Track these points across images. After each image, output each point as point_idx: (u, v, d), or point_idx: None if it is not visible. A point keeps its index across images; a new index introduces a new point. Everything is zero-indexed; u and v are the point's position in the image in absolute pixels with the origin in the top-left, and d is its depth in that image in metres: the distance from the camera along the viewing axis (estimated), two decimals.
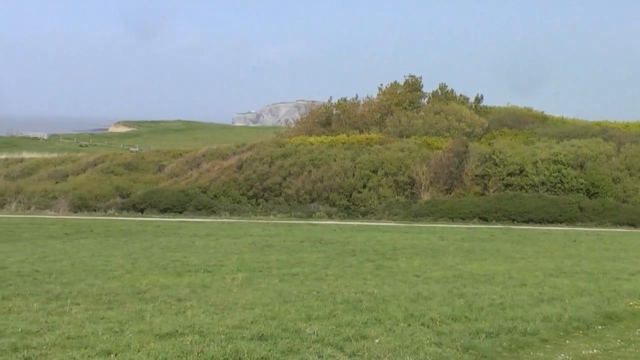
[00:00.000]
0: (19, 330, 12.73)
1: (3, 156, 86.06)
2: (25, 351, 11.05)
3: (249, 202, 57.95)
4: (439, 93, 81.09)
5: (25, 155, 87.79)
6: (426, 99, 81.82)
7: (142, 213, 55.63)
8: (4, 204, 60.43)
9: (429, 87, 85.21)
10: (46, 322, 13.62)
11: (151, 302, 15.91)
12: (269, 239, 34.72)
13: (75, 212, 56.84)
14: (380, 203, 55.77)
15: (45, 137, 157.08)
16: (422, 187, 55.92)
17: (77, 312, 14.72)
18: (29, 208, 58.82)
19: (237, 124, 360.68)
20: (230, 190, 58.61)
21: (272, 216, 54.26)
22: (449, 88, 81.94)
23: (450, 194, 56.10)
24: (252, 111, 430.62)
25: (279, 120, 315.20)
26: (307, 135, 71.19)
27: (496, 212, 52.20)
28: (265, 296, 16.74)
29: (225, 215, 54.75)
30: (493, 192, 55.14)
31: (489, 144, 61.77)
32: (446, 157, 57.48)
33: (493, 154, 57.46)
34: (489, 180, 56.04)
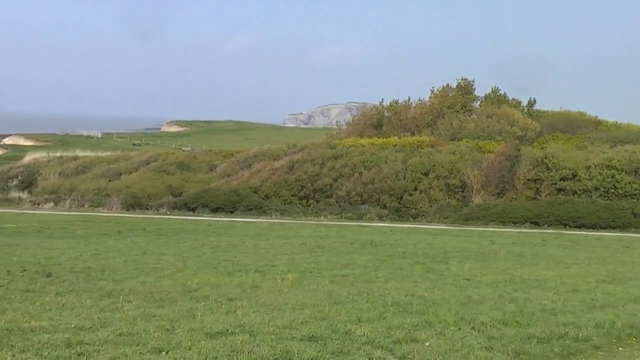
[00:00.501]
0: (72, 326, 12.88)
1: (58, 154, 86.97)
2: (79, 347, 11.17)
3: (299, 203, 58.05)
4: (492, 96, 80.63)
5: (79, 153, 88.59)
6: (478, 102, 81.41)
7: (194, 212, 55.97)
8: (58, 202, 61.21)
9: (481, 90, 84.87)
10: (99, 318, 13.77)
11: (202, 300, 16.00)
12: (320, 240, 34.74)
13: (127, 210, 57.37)
14: (431, 206, 55.56)
15: (99, 136, 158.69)
16: (474, 191, 55.60)
17: (129, 309, 14.86)
18: (82, 205, 59.49)
19: (289, 125, 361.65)
20: (281, 191, 58.76)
21: (322, 217, 54.29)
22: (501, 91, 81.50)
23: (502, 197, 55.70)
24: (304, 112, 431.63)
25: (330, 122, 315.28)
26: (359, 137, 71.12)
27: (548, 217, 51.72)
28: (316, 297, 16.75)
29: (276, 215, 54.90)
30: (545, 196, 54.65)
31: (542, 148, 61.27)
32: (498, 161, 57.08)
33: (545, 158, 56.95)
34: (541, 184, 55.56)
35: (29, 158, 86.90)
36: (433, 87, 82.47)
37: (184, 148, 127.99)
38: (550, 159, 56.74)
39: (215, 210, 56.01)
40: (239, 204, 56.66)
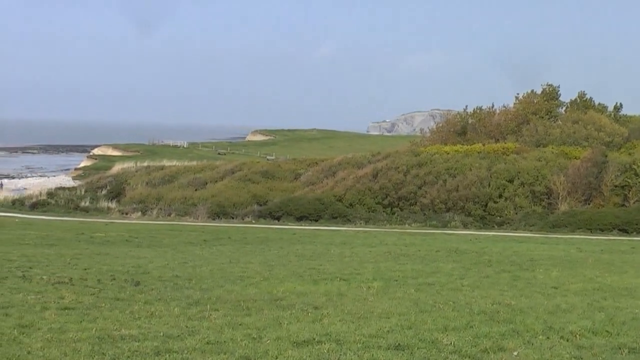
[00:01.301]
0: (161, 334, 13.05)
1: (145, 164, 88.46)
2: (167, 355, 11.31)
3: (384, 211, 57.97)
4: (578, 101, 79.57)
5: (166, 163, 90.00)
6: (564, 108, 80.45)
7: (279, 221, 56.28)
8: (145, 211, 62.15)
9: (566, 96, 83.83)
10: (186, 326, 13.92)
11: (288, 309, 16.06)
12: (404, 248, 34.64)
13: (213, 219, 57.96)
14: (516, 213, 54.97)
15: (185, 146, 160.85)
16: (560, 198, 54.87)
17: (216, 317, 14.99)
18: (169, 214, 60.30)
19: (372, 132, 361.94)
20: (366, 199, 58.76)
21: (407, 225, 54.12)
22: (587, 96, 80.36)
23: (589, 204, 54.86)
24: (387, 120, 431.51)
25: (414, 129, 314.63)
26: (443, 145, 70.83)
27: (637, 224, 50.73)
28: (401, 305, 16.69)
29: (360, 223, 54.89)
30: (634, 203, 53.66)
31: (629, 154, 60.18)
32: (584, 167, 56.26)
33: (634, 164, 55.93)
34: (630, 191, 54.57)
35: (117, 168, 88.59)
36: (518, 94, 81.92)
37: (268, 157, 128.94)
38: (639, 164, 55.68)
39: (300, 219, 56.25)
40: (323, 213, 56.81)
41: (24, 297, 16.96)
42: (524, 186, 56.77)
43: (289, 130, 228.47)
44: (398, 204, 58.43)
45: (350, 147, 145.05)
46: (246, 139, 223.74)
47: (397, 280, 21.80)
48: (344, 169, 65.98)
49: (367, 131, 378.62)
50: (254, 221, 56.47)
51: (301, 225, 53.49)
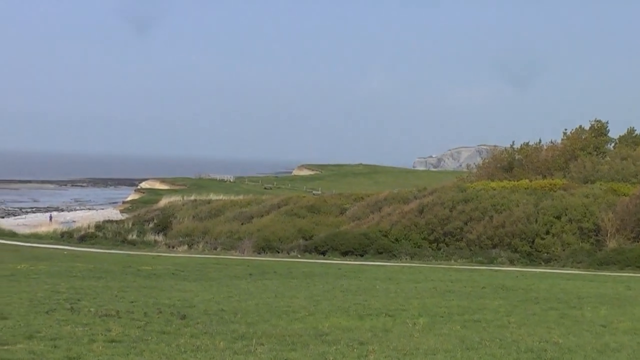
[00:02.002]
0: None
1: (192, 197, 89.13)
2: None
3: (429, 247, 57.73)
4: (627, 137, 78.92)
5: (213, 197, 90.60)
6: (613, 144, 79.81)
7: (324, 255, 56.24)
8: (192, 244, 62.50)
9: (615, 132, 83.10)
10: None
11: (334, 344, 16.05)
12: (450, 284, 34.44)
13: (259, 253, 58.10)
14: (563, 250, 54.43)
15: (232, 180, 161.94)
16: (608, 235, 54.25)
17: (262, 352, 15.02)
18: (215, 248, 60.56)
19: (418, 167, 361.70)
20: (411, 234, 58.59)
21: (452, 261, 53.83)
22: (637, 132, 79.67)
23: (638, 241, 54.17)
24: (433, 155, 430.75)
25: (460, 165, 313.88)
26: (489, 180, 70.48)
27: None
28: (447, 342, 16.62)
29: (406, 259, 54.69)
30: None
31: None
32: (634, 204, 55.62)
33: None
34: None
35: (164, 201, 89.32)
36: (565, 130, 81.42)
37: (314, 191, 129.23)
38: None
39: (345, 254, 56.18)
40: (369, 248, 56.72)
41: (72, 329, 17.14)
42: (571, 223, 56.23)
43: (335, 165, 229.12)
44: (444, 240, 58.16)
45: (396, 182, 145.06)
46: (292, 174, 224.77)
47: (443, 317, 21.68)
48: (389, 204, 65.88)
49: (413, 166, 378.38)
50: (299, 255, 56.51)
51: (347, 260, 53.42)
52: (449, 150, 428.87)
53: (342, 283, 34.30)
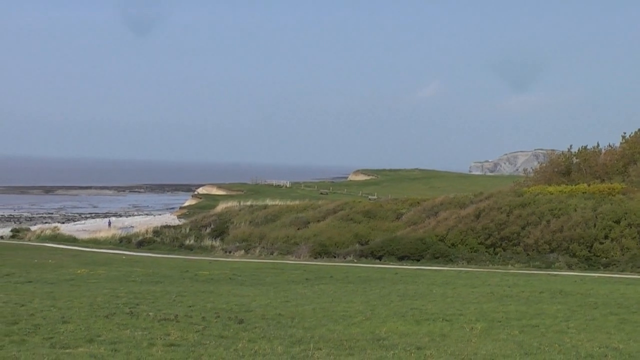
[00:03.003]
0: None
1: (248, 203, 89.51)
2: None
3: (486, 251, 57.34)
4: None
5: (269, 202, 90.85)
6: None
7: (380, 260, 56.16)
8: (248, 249, 62.80)
9: None
10: None
11: (391, 349, 16.05)
12: (507, 289, 34.19)
13: (315, 258, 58.16)
14: (623, 254, 53.74)
15: (288, 185, 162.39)
16: None
17: (320, 356, 15.07)
18: (272, 253, 60.78)
19: (474, 172, 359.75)
20: (468, 239, 58.26)
21: (509, 266, 53.41)
22: None
23: None
24: (490, 160, 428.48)
25: (517, 169, 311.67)
26: (546, 185, 69.84)
27: None
28: (505, 347, 16.52)
29: (462, 264, 54.40)
30: None
31: None
32: None
33: None
34: None
35: (221, 207, 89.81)
36: (624, 133, 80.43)
37: (370, 197, 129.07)
38: None
39: (401, 259, 56.05)
40: (425, 252, 56.53)
41: (132, 333, 17.34)
42: (631, 227, 55.49)
43: (390, 170, 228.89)
44: (501, 244, 57.74)
45: (452, 187, 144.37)
46: (348, 179, 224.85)
47: (500, 322, 21.53)
48: (446, 209, 65.56)
49: (469, 171, 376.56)
50: (355, 260, 56.48)
51: (403, 265, 53.30)
52: (505, 154, 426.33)
53: (398, 288, 34.24)
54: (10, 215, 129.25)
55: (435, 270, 49.18)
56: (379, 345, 16.67)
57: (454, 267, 52.73)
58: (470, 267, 52.33)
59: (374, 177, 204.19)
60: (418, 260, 55.51)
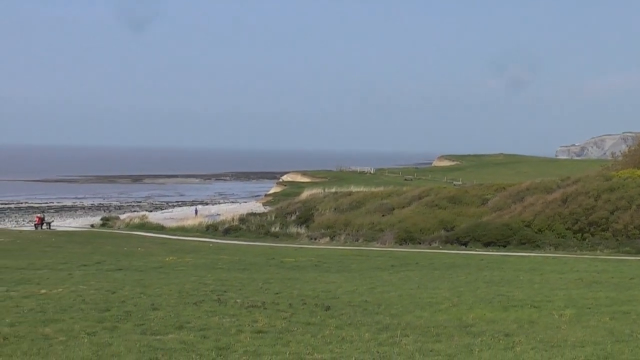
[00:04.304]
0: (353, 359, 13.24)
1: (333, 190, 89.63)
2: None
3: (574, 237, 56.48)
4: None
5: (353, 189, 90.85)
6: None
7: (466, 246, 55.83)
8: (333, 236, 62.96)
9: None
10: (377, 352, 14.05)
11: (478, 336, 15.94)
12: (597, 275, 33.66)
13: (400, 244, 58.07)
14: None
15: (372, 172, 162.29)
16: None
17: (407, 343, 15.05)
18: (356, 240, 60.84)
19: (560, 157, 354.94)
20: (555, 225, 57.47)
21: (598, 251, 52.58)
22: None
23: None
24: (576, 144, 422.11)
25: (604, 153, 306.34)
26: (636, 168, 68.52)
27: None
28: (596, 334, 16.27)
29: (550, 249, 53.72)
30: None
31: None
32: None
33: None
34: None
35: (306, 194, 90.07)
36: None
37: (455, 182, 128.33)
38: None
39: (487, 245, 55.61)
40: (511, 238, 55.98)
41: (220, 320, 17.55)
42: None
43: (475, 156, 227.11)
44: (589, 230, 56.81)
45: (537, 171, 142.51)
46: (432, 165, 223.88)
47: (590, 308, 21.20)
48: (532, 194, 64.72)
49: (556, 155, 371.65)
50: (440, 247, 56.24)
51: (489, 251, 52.88)
52: (593, 138, 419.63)
53: (484, 274, 34.01)
54: (100, 204, 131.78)
55: (522, 256, 48.67)
56: (467, 332, 16.57)
57: (540, 253, 52.13)
58: (558, 253, 51.67)
59: (458, 163, 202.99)
60: (504, 247, 55.02)
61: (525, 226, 57.49)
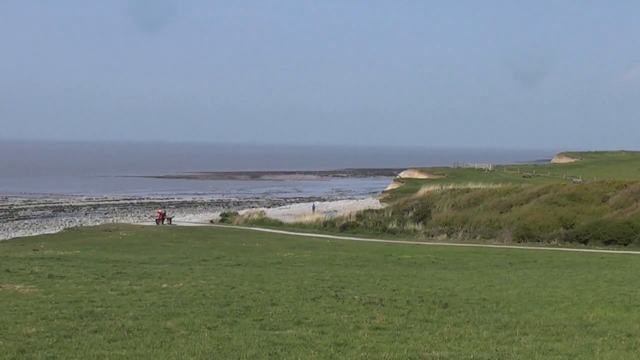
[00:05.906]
0: (471, 357, 13.21)
1: (450, 187, 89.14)
2: None
3: None
4: None
5: (471, 185, 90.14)
6: None
7: (585, 244, 54.91)
8: (451, 233, 62.69)
9: None
10: (496, 350, 13.98)
11: (600, 336, 15.69)
12: None
13: (518, 242, 57.47)
14: None
15: (490, 168, 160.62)
16: None
17: (526, 342, 14.92)
18: (474, 237, 60.45)
19: None
20: None
21: None
22: None
23: None
24: None
25: None
26: None
27: None
28: None
29: None
30: None
31: None
32: None
33: None
34: None
35: (423, 191, 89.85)
36: None
37: (574, 179, 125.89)
38: None
39: (607, 243, 54.56)
40: (633, 237, 54.81)
41: (338, 316, 17.66)
42: None
43: (595, 153, 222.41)
44: None
45: None
46: (551, 162, 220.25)
47: None
48: None
49: None
50: (559, 244, 55.42)
51: (609, 249, 51.86)
52: None
53: (605, 273, 33.35)
54: (220, 200, 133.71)
55: None
56: (587, 332, 16.32)
57: None
58: None
59: (578, 160, 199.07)
60: (625, 245, 53.92)
61: None
